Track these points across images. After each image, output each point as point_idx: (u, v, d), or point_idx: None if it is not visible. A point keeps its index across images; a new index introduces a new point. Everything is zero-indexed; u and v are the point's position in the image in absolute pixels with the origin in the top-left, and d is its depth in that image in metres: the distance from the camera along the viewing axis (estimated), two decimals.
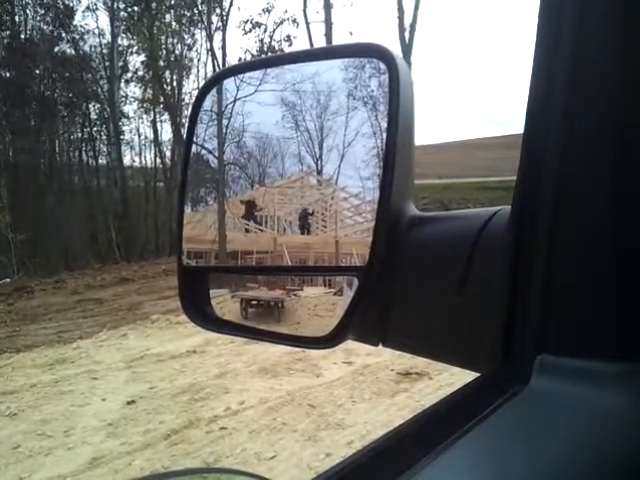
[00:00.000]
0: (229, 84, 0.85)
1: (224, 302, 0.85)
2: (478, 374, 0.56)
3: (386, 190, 0.63)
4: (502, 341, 0.52)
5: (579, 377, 0.44)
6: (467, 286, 0.57)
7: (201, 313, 0.82)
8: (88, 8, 23.91)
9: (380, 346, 0.67)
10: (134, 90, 27.98)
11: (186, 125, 0.89)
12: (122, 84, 25.04)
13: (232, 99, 0.84)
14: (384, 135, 0.65)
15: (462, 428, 0.43)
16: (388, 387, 5.26)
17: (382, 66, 0.67)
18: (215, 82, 0.89)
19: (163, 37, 23.92)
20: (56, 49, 24.27)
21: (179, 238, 0.85)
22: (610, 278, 0.45)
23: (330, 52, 0.81)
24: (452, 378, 4.93)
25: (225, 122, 0.86)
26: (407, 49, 19.08)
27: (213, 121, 0.87)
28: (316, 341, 0.72)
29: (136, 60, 25.37)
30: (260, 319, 0.82)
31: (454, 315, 0.59)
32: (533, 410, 0.45)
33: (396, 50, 0.68)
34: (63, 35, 24.03)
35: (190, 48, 24.94)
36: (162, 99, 23.67)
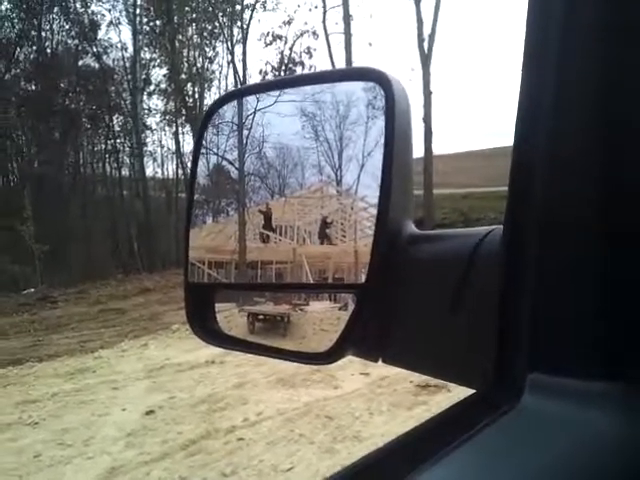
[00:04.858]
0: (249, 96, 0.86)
1: (231, 316, 0.86)
2: (474, 391, 0.56)
3: (384, 209, 0.65)
4: (495, 359, 0.52)
5: (570, 396, 0.43)
6: (462, 304, 0.58)
7: (207, 329, 0.83)
8: (112, 23, 24.47)
9: (380, 362, 0.68)
10: (156, 102, 28.62)
11: (193, 142, 0.91)
12: (145, 97, 25.54)
13: (252, 110, 0.85)
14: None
15: (452, 444, 0.43)
16: (406, 399, 5.20)
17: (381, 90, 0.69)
18: (223, 102, 0.91)
19: (185, 50, 24.35)
20: (80, 63, 24.86)
21: (185, 255, 0.86)
22: (602, 297, 0.44)
23: (329, 76, 0.83)
24: (471, 391, 4.85)
25: (245, 133, 0.87)
26: (426, 59, 19.18)
27: (234, 132, 0.88)
28: (315, 357, 0.73)
29: (158, 73, 25.86)
30: (267, 334, 0.83)
31: (450, 332, 0.60)
32: (523, 428, 0.45)
33: (393, 74, 0.69)
34: (87, 49, 24.58)
35: (211, 61, 25.37)
36: (184, 111, 24.01)
